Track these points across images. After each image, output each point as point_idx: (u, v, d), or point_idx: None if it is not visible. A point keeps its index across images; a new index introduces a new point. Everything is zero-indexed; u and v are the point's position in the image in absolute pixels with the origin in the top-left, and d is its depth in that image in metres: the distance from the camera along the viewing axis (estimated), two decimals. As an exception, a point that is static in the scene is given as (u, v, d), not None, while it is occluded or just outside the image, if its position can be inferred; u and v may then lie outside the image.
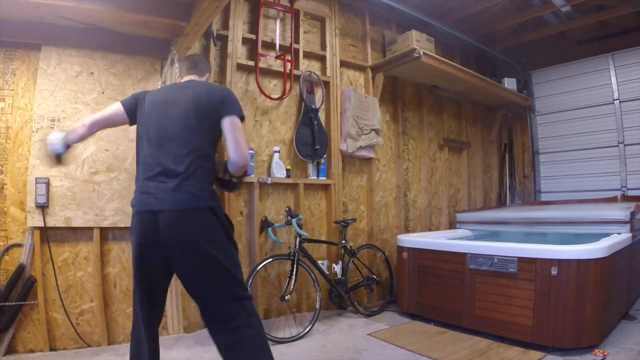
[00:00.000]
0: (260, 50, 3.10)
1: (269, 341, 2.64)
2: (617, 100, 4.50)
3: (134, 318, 1.65)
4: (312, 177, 3.35)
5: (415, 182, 4.25)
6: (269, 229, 3.01)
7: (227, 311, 1.55)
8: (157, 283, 1.61)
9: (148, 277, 1.58)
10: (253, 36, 3.12)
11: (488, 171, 5.25)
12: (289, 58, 3.24)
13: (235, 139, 1.59)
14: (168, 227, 1.48)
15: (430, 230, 4.28)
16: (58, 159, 1.70)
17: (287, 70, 3.23)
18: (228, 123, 1.60)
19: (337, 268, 3.20)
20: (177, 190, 1.50)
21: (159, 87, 1.85)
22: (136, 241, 1.55)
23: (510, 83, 4.85)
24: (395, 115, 4.11)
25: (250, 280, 2.76)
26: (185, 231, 1.49)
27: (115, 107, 1.73)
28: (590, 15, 4.22)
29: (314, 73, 3.41)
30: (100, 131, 2.29)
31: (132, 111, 1.72)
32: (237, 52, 3.01)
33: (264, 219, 3.05)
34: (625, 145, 4.46)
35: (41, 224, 2.34)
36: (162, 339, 2.53)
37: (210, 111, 1.61)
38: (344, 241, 3.28)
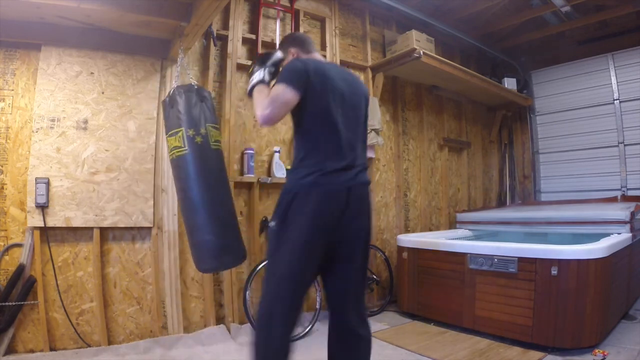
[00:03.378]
0: (260, 50, 3.10)
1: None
2: (617, 100, 4.50)
3: (296, 306, 1.53)
4: (312, 177, 3.34)
5: (415, 182, 4.25)
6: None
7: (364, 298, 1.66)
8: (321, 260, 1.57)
9: (319, 254, 1.54)
10: (253, 36, 3.12)
11: (488, 171, 5.25)
12: (289, 58, 3.24)
13: None
14: (357, 199, 1.58)
15: (430, 230, 4.28)
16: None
17: (287, 70, 3.22)
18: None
19: (337, 268, 3.20)
20: (364, 172, 1.66)
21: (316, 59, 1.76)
22: (321, 216, 1.51)
23: (510, 83, 4.85)
24: (395, 115, 4.11)
25: (250, 280, 2.76)
26: (367, 202, 1.65)
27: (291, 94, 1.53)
28: (590, 15, 4.22)
29: (314, 73, 3.41)
30: (99, 131, 2.30)
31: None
32: (237, 52, 3.01)
33: (264, 219, 3.05)
34: (625, 145, 4.46)
35: (41, 224, 2.34)
36: (162, 339, 2.55)
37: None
38: (344, 241, 3.27)
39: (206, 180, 2.13)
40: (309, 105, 1.56)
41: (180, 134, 2.12)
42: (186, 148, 2.11)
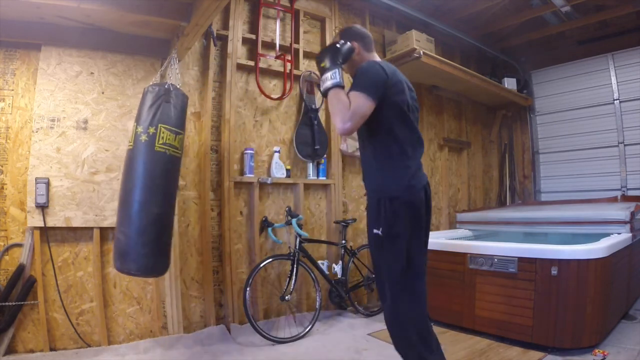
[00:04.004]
0: (260, 50, 3.10)
1: (269, 341, 2.66)
2: (617, 100, 4.50)
3: (423, 303, 1.73)
4: (312, 177, 3.35)
5: (415, 182, 4.24)
6: (269, 229, 3.01)
7: None
8: None
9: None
10: (253, 36, 3.12)
11: (488, 171, 5.25)
12: (289, 58, 3.24)
13: None
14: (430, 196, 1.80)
15: (430, 230, 4.27)
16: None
17: (287, 70, 3.23)
18: None
19: (337, 268, 3.20)
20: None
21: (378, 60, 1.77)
22: (423, 211, 1.72)
23: (510, 83, 4.85)
24: (395, 115, 4.10)
25: (250, 280, 2.76)
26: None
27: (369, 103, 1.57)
28: (590, 15, 4.22)
29: (314, 73, 3.41)
30: (99, 131, 2.33)
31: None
32: (237, 52, 3.01)
33: (264, 219, 3.05)
34: (625, 145, 4.46)
35: (41, 224, 2.34)
36: (162, 339, 2.55)
37: None
38: (344, 241, 3.27)
39: (138, 180, 2.06)
40: (390, 111, 1.63)
41: (133, 129, 2.14)
42: (132, 144, 2.11)
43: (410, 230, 1.65)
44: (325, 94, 1.65)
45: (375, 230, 1.67)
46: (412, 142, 1.70)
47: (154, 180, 2.10)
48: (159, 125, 2.12)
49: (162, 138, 2.12)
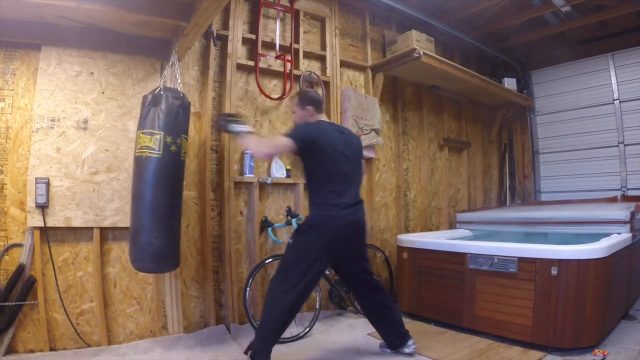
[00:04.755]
0: (260, 50, 3.10)
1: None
2: (617, 100, 4.50)
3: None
4: (312, 177, 3.35)
5: (415, 182, 4.25)
6: (269, 229, 3.01)
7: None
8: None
9: (334, 259, 2.29)
10: (253, 36, 3.12)
11: (488, 171, 5.25)
12: (289, 58, 3.24)
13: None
14: (360, 228, 2.34)
15: (430, 230, 4.28)
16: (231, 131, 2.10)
17: (287, 70, 3.23)
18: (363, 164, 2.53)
19: (337, 268, 3.20)
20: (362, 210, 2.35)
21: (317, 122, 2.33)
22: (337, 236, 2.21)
23: (510, 83, 4.85)
24: (395, 115, 4.11)
25: (250, 280, 2.76)
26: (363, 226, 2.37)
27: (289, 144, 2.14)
28: (590, 15, 4.22)
29: (314, 73, 3.41)
30: (99, 131, 2.47)
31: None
32: (237, 52, 3.01)
33: (264, 219, 3.05)
34: (625, 145, 4.46)
35: (41, 224, 2.34)
36: (162, 339, 2.55)
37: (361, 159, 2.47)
38: (344, 241, 3.27)
39: (165, 187, 2.20)
40: (317, 159, 2.19)
41: (158, 137, 2.17)
42: (159, 152, 2.18)
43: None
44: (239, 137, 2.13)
45: None
46: (335, 185, 2.25)
47: (179, 187, 2.33)
48: (182, 135, 2.29)
49: (183, 147, 2.32)
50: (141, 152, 2.19)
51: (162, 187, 2.19)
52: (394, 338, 2.43)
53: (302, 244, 2.20)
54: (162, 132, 2.18)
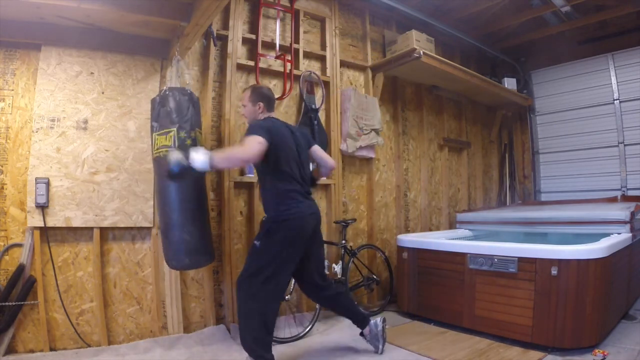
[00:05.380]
0: (260, 50, 3.10)
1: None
2: (617, 100, 4.50)
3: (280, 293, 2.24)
4: (312, 177, 3.35)
5: (415, 182, 4.25)
6: (269, 229, 3.00)
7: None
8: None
9: (301, 253, 2.23)
10: (253, 36, 3.12)
11: (488, 171, 5.25)
12: (289, 58, 3.24)
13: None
14: (319, 222, 2.35)
15: (430, 230, 4.28)
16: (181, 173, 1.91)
17: (287, 70, 3.23)
18: (317, 149, 2.50)
19: (337, 268, 3.20)
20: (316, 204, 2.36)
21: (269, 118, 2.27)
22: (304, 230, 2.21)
23: (510, 83, 4.85)
24: (395, 115, 4.11)
25: (250, 280, 2.76)
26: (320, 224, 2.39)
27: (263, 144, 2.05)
28: (590, 15, 4.22)
29: (314, 73, 3.41)
30: (99, 131, 2.46)
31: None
32: (237, 52, 3.01)
33: (263, 218, 3.04)
34: (625, 145, 4.46)
35: (41, 224, 2.34)
36: (162, 339, 2.55)
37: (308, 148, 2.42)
38: (344, 241, 3.27)
39: (194, 182, 2.24)
40: (275, 157, 2.12)
41: (171, 134, 2.20)
42: (176, 148, 2.18)
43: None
44: (212, 164, 1.92)
45: None
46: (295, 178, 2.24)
47: (199, 180, 2.35)
48: (196, 129, 2.31)
49: (199, 141, 2.33)
50: (158, 152, 2.26)
51: (184, 182, 2.20)
52: (358, 322, 2.50)
53: (271, 243, 2.13)
54: (175, 128, 2.22)
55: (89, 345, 2.43)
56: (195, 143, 2.27)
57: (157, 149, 2.27)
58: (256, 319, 2.07)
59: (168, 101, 2.26)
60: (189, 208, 2.24)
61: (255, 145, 2.01)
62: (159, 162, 2.26)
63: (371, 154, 3.70)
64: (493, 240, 3.10)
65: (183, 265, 2.33)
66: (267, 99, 2.32)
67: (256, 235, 2.27)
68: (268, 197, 2.24)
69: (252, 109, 2.30)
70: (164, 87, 2.35)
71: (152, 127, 2.35)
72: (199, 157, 1.87)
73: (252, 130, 2.07)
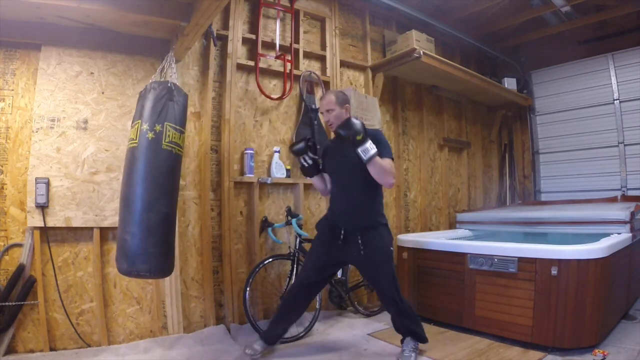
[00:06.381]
0: (260, 50, 3.10)
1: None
2: (617, 100, 4.50)
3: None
4: (312, 177, 3.35)
5: (415, 182, 4.25)
6: (269, 229, 3.01)
7: None
8: None
9: None
10: (253, 36, 3.12)
11: (488, 171, 5.25)
12: (289, 58, 3.24)
13: None
14: None
15: (430, 230, 4.28)
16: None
17: (287, 70, 3.23)
18: None
19: (337, 268, 3.20)
20: None
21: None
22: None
23: (510, 83, 4.85)
24: (395, 115, 4.11)
25: (250, 280, 2.76)
26: None
27: None
28: (590, 15, 4.22)
29: (314, 73, 3.41)
30: (99, 131, 2.52)
31: None
32: (237, 52, 3.01)
33: (264, 219, 3.05)
34: (625, 145, 4.46)
35: (41, 224, 2.34)
36: (162, 339, 2.55)
37: None
38: (344, 241, 3.27)
39: (142, 178, 2.00)
40: None
41: (136, 126, 2.08)
42: (136, 141, 2.04)
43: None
44: (370, 159, 2.09)
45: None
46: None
47: (161, 179, 2.05)
48: (165, 123, 2.08)
49: (169, 136, 2.09)
50: (128, 144, 2.13)
51: (136, 177, 2.00)
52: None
53: (391, 245, 2.38)
54: (140, 120, 2.06)
55: (89, 345, 2.43)
56: (158, 138, 2.03)
57: (128, 141, 2.13)
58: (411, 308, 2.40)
59: (145, 95, 2.14)
60: (136, 206, 1.98)
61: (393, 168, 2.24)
62: (126, 155, 2.10)
63: (371, 154, 3.70)
64: (493, 240, 3.11)
65: (120, 270, 2.03)
66: (349, 101, 2.42)
67: (381, 242, 2.31)
68: (377, 205, 2.36)
69: (341, 111, 2.33)
70: (149, 81, 2.22)
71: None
72: (372, 146, 2.08)
73: (389, 151, 2.25)
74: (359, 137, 2.06)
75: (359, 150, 2.08)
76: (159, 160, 2.04)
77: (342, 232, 2.30)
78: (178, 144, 2.15)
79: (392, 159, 2.23)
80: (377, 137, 2.21)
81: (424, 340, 2.41)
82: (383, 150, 2.17)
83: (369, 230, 2.29)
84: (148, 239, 1.97)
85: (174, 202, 2.16)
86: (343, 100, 2.36)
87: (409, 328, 2.37)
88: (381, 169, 2.13)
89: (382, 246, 2.30)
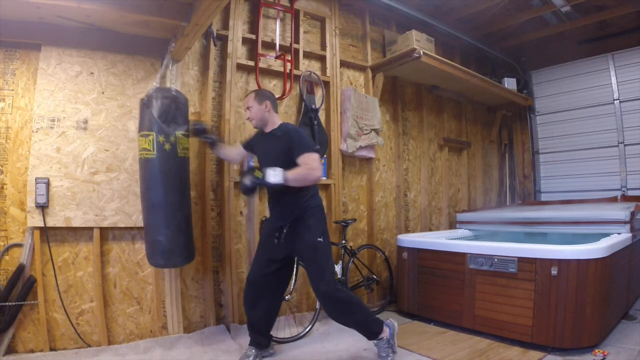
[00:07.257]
0: (260, 50, 3.10)
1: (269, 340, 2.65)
2: (617, 100, 4.50)
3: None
4: (312, 177, 3.35)
5: (415, 182, 4.25)
6: (269, 229, 3.00)
7: None
8: None
9: None
10: (253, 36, 3.12)
11: (488, 171, 5.25)
12: (289, 58, 3.24)
13: None
14: None
15: (430, 230, 4.28)
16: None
17: (287, 70, 3.23)
18: None
19: (337, 268, 3.20)
20: None
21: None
22: None
23: (510, 83, 4.85)
24: (395, 115, 4.11)
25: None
26: None
27: None
28: (590, 15, 4.22)
29: (314, 73, 3.41)
30: (99, 131, 2.54)
31: None
32: (237, 52, 3.01)
33: (264, 219, 3.05)
34: (625, 145, 4.46)
35: (41, 224, 2.34)
36: (162, 339, 2.55)
37: None
38: (344, 241, 3.27)
39: (167, 185, 2.28)
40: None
41: (150, 137, 2.25)
42: (154, 152, 2.26)
43: None
44: (283, 181, 2.09)
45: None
46: None
47: (182, 185, 2.39)
48: (177, 132, 2.32)
49: (181, 144, 2.35)
50: (141, 154, 2.32)
51: (162, 185, 2.27)
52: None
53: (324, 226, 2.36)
54: (154, 133, 2.26)
55: (89, 345, 2.43)
56: (174, 147, 2.29)
57: (140, 151, 2.32)
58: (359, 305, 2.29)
59: (152, 103, 2.28)
60: (166, 211, 2.29)
61: (320, 164, 2.21)
62: (142, 164, 2.32)
63: (371, 154, 3.70)
64: (493, 240, 3.11)
65: (158, 264, 2.43)
66: (272, 98, 2.40)
67: (311, 232, 2.27)
68: (302, 195, 2.29)
69: (259, 107, 2.33)
70: (152, 88, 2.36)
71: (138, 126, 2.40)
72: (275, 175, 2.07)
73: (310, 146, 2.22)
74: (257, 174, 2.09)
75: (268, 180, 2.08)
76: (177, 168, 2.35)
77: (278, 226, 2.34)
78: (187, 148, 2.43)
79: (314, 151, 2.19)
80: (292, 135, 2.24)
81: (380, 330, 2.29)
82: (300, 147, 2.17)
83: (297, 221, 2.29)
84: (179, 237, 2.34)
85: (190, 202, 2.51)
86: (262, 97, 2.35)
87: (357, 321, 2.26)
88: (297, 179, 2.12)
89: (309, 238, 2.25)
